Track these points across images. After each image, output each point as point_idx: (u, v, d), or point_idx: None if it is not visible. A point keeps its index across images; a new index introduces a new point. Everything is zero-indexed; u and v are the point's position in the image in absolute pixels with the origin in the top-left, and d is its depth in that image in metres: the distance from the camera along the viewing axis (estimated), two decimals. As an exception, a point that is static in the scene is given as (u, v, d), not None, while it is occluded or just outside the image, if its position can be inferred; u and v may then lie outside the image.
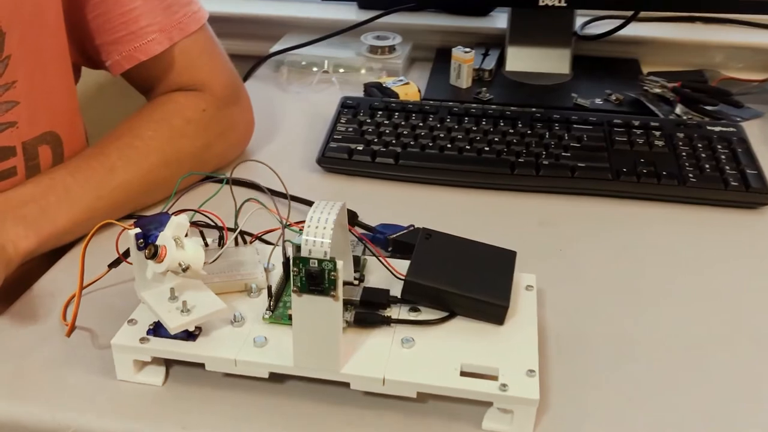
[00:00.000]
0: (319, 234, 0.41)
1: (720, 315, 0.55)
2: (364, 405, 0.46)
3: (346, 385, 0.45)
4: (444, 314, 0.49)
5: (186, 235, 0.46)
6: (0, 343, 0.51)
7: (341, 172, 0.74)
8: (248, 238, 0.55)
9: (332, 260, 0.40)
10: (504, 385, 0.43)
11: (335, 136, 0.76)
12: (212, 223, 0.52)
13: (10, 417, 0.46)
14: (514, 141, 0.75)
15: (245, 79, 0.98)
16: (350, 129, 0.77)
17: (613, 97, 0.88)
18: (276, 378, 0.47)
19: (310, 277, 0.41)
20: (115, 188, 0.62)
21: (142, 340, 0.46)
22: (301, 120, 0.85)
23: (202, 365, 0.46)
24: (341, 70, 0.95)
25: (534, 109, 0.80)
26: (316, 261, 0.40)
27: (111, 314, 0.51)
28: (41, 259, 0.59)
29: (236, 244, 0.54)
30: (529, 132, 0.76)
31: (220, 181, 0.55)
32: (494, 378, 0.44)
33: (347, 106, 0.81)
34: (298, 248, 0.41)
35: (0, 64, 0.58)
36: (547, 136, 0.76)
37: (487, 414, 0.45)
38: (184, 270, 0.44)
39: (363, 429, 0.45)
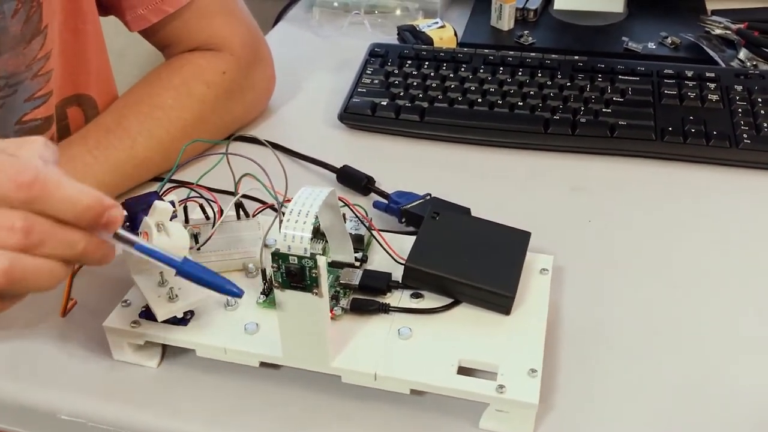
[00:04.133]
0: (299, 228, 0.38)
1: None
2: (357, 396, 0.44)
3: (338, 377, 0.43)
4: (447, 302, 0.46)
5: (174, 218, 0.45)
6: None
7: (364, 129, 0.70)
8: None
9: (312, 257, 0.38)
10: (501, 387, 0.41)
11: (359, 89, 0.72)
12: (210, 198, 0.50)
13: (5, 396, 0.46)
14: (551, 95, 0.69)
15: (277, 20, 0.94)
16: (376, 81, 0.73)
17: (669, 41, 0.80)
18: (270, 364, 0.45)
19: (290, 274, 0.38)
20: (137, 166, 0.60)
21: (134, 323, 0.45)
22: (329, 69, 0.81)
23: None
24: (375, 12, 0.89)
25: (576, 58, 0.74)
26: (295, 258, 0.38)
27: (115, 289, 0.50)
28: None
29: (238, 217, 0.52)
30: (568, 84, 0.70)
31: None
32: (494, 375, 0.42)
33: (375, 54, 0.77)
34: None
35: (40, 35, 0.56)
36: (588, 89, 0.70)
37: (485, 413, 0.42)
38: (166, 259, 0.42)
39: (355, 422, 0.43)
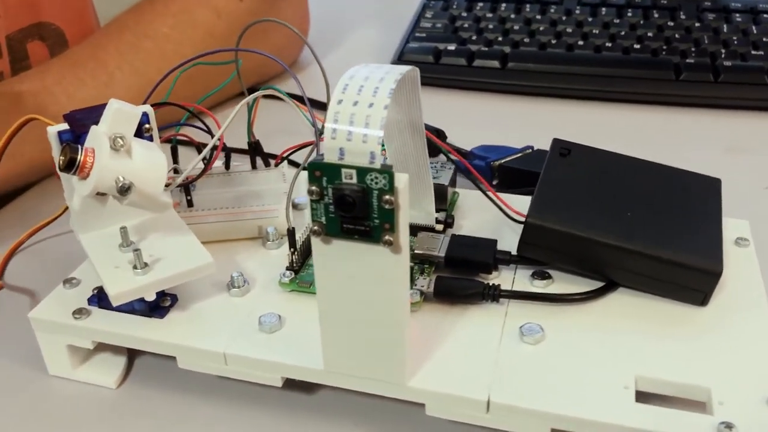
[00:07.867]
0: (360, 119, 0.20)
1: None
2: (450, 442, 0.26)
3: (420, 406, 0.25)
4: (597, 285, 0.28)
5: (147, 137, 0.27)
6: None
7: (425, 82, 0.52)
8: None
9: (388, 171, 0.20)
10: (728, 426, 0.22)
11: (417, 34, 0.55)
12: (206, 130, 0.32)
13: None
14: (676, 36, 0.52)
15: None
16: (438, 25, 0.56)
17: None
18: (299, 386, 0.27)
19: (343, 203, 0.20)
20: None
21: (78, 313, 0.28)
22: (378, 24, 0.64)
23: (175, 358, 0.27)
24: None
25: (703, -2, 0.57)
26: (353, 172, 0.20)
27: (66, 271, 0.33)
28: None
29: (253, 166, 0.35)
30: (697, 25, 0.53)
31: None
32: (701, 406, 0.23)
33: (436, -2, 0.60)
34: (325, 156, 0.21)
35: None
36: (725, 30, 0.52)
37: (685, 475, 0.24)
38: (123, 191, 0.24)
39: (447, 487, 0.25)
